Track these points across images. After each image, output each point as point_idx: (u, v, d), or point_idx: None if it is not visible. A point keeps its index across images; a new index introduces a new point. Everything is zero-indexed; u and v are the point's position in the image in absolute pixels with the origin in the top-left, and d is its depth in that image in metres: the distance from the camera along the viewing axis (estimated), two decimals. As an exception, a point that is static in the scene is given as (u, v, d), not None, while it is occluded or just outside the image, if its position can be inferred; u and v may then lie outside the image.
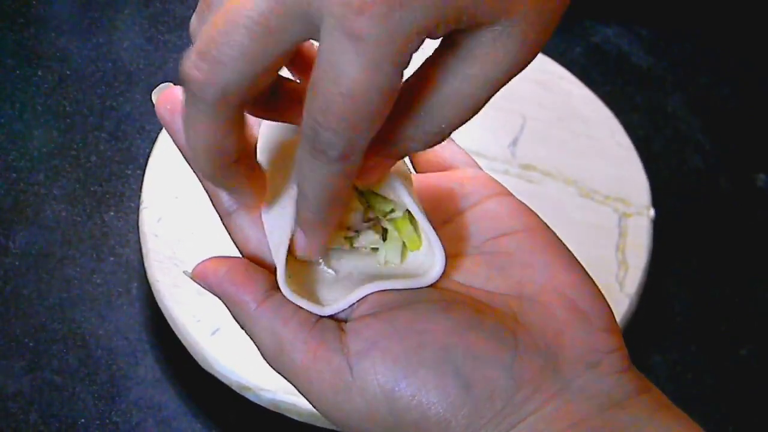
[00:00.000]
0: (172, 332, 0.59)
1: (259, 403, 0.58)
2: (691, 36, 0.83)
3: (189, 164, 0.35)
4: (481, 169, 0.39)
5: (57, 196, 0.68)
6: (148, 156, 0.66)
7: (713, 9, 0.84)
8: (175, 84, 0.35)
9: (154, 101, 0.35)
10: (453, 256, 0.36)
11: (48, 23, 0.77)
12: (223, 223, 0.37)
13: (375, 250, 0.37)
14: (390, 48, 0.28)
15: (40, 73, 0.74)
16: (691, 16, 0.84)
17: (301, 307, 0.34)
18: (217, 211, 0.37)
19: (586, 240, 0.64)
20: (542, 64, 0.73)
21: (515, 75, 0.31)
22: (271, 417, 0.58)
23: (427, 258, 0.36)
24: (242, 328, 0.35)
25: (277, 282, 0.35)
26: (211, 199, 0.37)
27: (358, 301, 0.35)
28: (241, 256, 0.37)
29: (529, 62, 0.31)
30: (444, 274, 0.36)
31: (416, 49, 0.29)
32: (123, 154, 0.70)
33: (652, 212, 0.67)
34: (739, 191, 0.74)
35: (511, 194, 0.38)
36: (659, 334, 0.66)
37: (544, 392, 0.33)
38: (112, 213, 0.67)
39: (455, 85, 0.31)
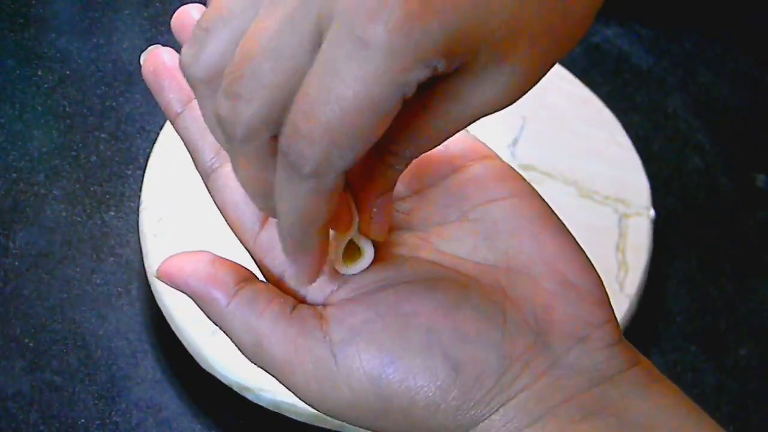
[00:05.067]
0: (172, 332, 0.59)
1: (259, 403, 0.57)
2: (691, 36, 0.82)
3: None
4: (466, 130, 0.38)
5: (57, 196, 0.68)
6: (148, 156, 0.66)
7: (714, 9, 0.84)
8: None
9: (141, 62, 0.35)
10: (439, 223, 0.35)
11: (48, 23, 0.77)
12: (204, 183, 0.36)
13: None
14: (397, 62, 0.26)
15: (40, 73, 0.74)
16: (691, 16, 0.84)
17: (274, 297, 0.33)
18: (198, 169, 0.36)
19: (586, 240, 0.63)
20: (542, 64, 0.73)
21: (502, 109, 0.31)
22: (271, 417, 0.58)
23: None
24: (216, 325, 0.34)
25: (246, 273, 0.34)
26: (191, 156, 0.36)
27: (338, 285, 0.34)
28: (222, 213, 0.36)
29: (515, 100, 0.31)
30: (430, 244, 0.35)
31: (420, 78, 0.27)
32: (123, 154, 0.70)
33: (652, 212, 0.66)
34: (739, 191, 0.74)
35: (498, 157, 0.37)
36: (659, 334, 0.66)
37: (533, 369, 0.32)
38: (112, 213, 0.67)
39: (441, 120, 0.31)
